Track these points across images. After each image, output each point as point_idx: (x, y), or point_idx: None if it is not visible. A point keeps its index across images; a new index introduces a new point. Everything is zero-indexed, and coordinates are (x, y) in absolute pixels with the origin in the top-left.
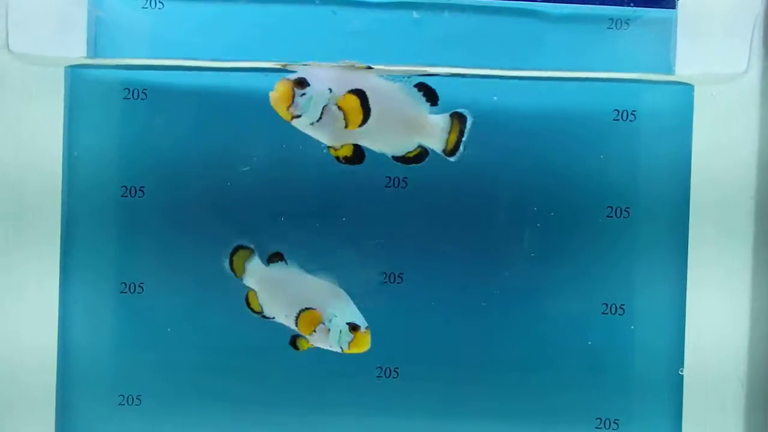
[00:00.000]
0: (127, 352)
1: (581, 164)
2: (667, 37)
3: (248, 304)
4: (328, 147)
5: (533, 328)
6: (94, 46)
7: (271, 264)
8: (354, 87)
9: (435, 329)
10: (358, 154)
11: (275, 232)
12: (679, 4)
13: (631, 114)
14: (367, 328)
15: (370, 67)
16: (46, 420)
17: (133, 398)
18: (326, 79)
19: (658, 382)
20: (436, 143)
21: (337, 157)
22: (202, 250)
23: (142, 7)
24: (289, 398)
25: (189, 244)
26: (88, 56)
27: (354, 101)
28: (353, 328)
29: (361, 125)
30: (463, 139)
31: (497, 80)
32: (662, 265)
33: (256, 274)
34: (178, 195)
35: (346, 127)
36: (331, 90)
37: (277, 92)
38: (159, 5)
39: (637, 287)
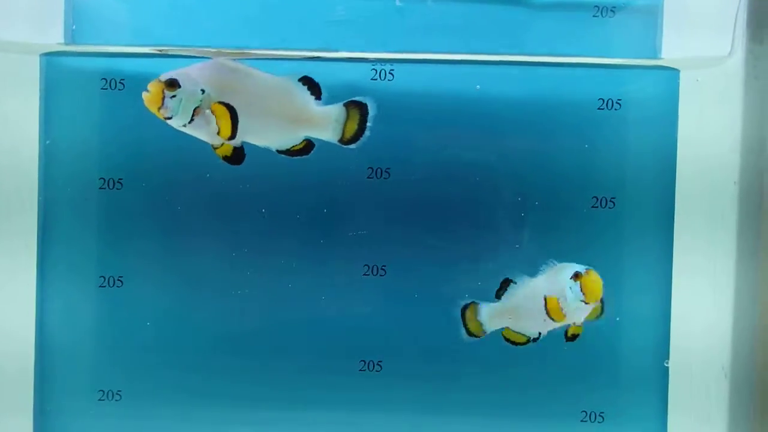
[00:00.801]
0: (106, 347)
1: (566, 154)
2: (653, 25)
3: (510, 340)
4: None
5: None
6: (72, 34)
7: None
8: (232, 86)
9: (418, 322)
10: (238, 154)
11: (256, 225)
12: None
13: (617, 102)
14: (588, 269)
15: (243, 53)
16: (24, 416)
17: (113, 393)
18: (201, 79)
19: (643, 374)
20: (329, 134)
21: (223, 157)
22: (181, 243)
23: None
24: (271, 394)
25: (169, 237)
26: (66, 44)
27: (223, 111)
28: (576, 276)
29: (230, 138)
30: (367, 125)
31: (480, 69)
32: (648, 255)
33: (495, 313)
34: (157, 187)
35: (218, 133)
36: (203, 91)
37: (149, 93)
38: None
39: (623, 278)
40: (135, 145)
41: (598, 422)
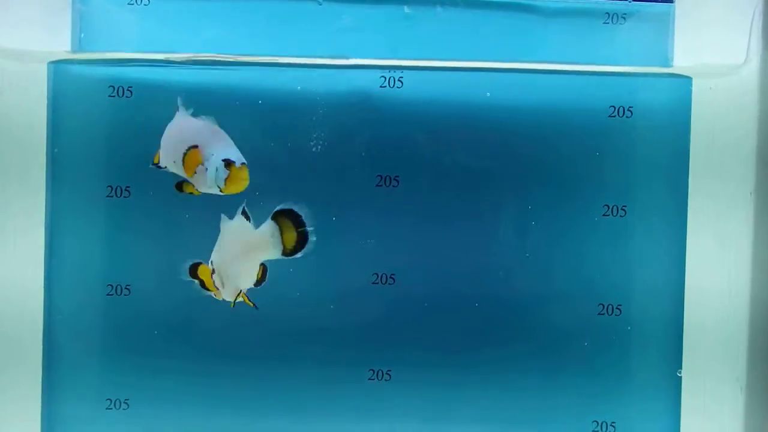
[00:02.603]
0: (113, 356)
1: (576, 162)
2: (664, 32)
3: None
4: None
5: (528, 330)
6: (79, 42)
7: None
8: None
9: (427, 331)
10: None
11: None
12: None
13: (628, 110)
14: (243, 163)
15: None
16: (32, 424)
17: (120, 402)
18: None
19: (656, 383)
20: (275, 252)
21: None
22: (188, 251)
23: (128, 3)
24: (279, 403)
25: (176, 245)
26: (73, 52)
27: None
28: (228, 164)
29: None
30: (308, 229)
31: (490, 76)
32: (659, 265)
33: None
34: (164, 195)
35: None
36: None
37: None
38: (145, 1)
39: (634, 287)
40: (142, 153)
41: None
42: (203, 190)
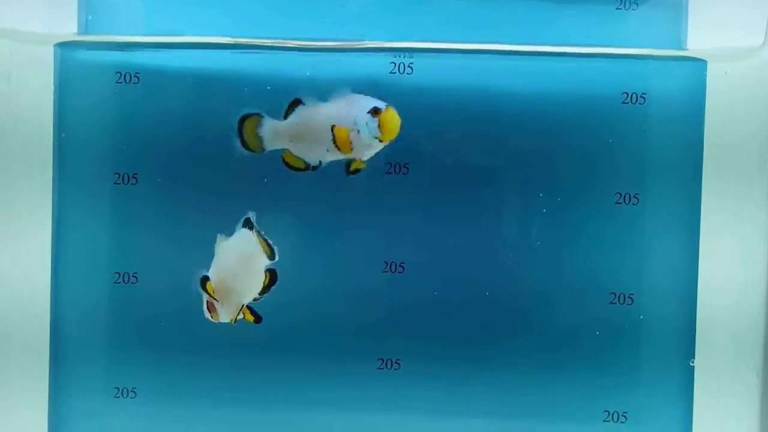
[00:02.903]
0: (121, 345)
1: (589, 149)
2: (678, 16)
3: (288, 165)
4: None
5: (538, 319)
6: (86, 26)
7: (287, 116)
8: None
9: (437, 320)
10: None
11: (274, 221)
12: None
13: (641, 97)
14: (387, 105)
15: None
16: (39, 413)
17: (128, 391)
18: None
19: (668, 373)
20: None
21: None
22: (196, 239)
23: None
24: (288, 392)
25: (183, 233)
26: (80, 34)
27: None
28: (375, 112)
29: None
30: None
31: (501, 63)
32: (672, 253)
33: (278, 132)
34: (171, 182)
35: None
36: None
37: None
38: None
39: (647, 275)
40: (149, 140)
41: (621, 422)
42: (367, 153)
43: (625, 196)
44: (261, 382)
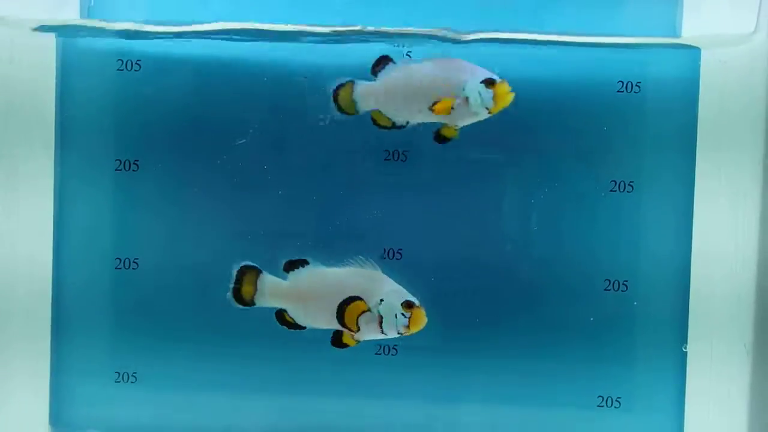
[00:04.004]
0: (121, 330)
1: (584, 137)
2: (672, 3)
3: (375, 123)
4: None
5: (534, 305)
6: (88, 12)
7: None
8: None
9: (434, 306)
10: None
11: (273, 207)
12: None
13: (636, 85)
14: (501, 79)
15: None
16: (40, 397)
17: (129, 375)
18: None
19: (661, 358)
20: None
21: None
22: (197, 226)
23: None
24: (287, 377)
25: (185, 220)
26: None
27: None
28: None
29: None
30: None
31: (498, 50)
32: (666, 240)
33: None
34: (173, 169)
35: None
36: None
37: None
38: None
39: (641, 263)
40: (151, 127)
41: (615, 407)
42: (467, 121)
43: (620, 184)
44: (260, 368)
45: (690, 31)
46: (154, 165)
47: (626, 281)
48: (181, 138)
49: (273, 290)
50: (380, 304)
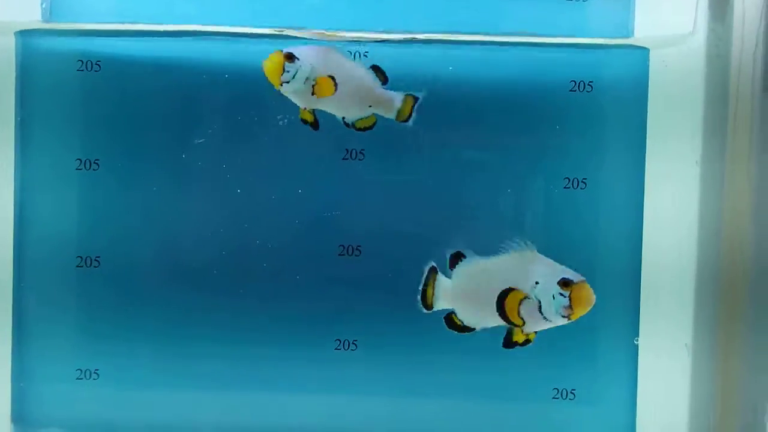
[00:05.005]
0: (83, 327)
1: (538, 136)
2: (625, 6)
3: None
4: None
5: None
6: (49, 13)
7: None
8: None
9: (393, 301)
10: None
11: (232, 207)
12: None
13: (588, 84)
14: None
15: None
16: (2, 403)
17: (90, 372)
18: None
19: (614, 351)
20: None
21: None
22: (158, 224)
23: None
24: (247, 373)
25: (146, 218)
26: (42, 21)
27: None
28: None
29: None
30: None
31: (453, 50)
32: (618, 236)
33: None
34: (133, 168)
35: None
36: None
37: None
38: None
39: (594, 258)
40: (111, 126)
41: (570, 399)
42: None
43: (573, 181)
44: (220, 364)
45: (641, 32)
46: (115, 164)
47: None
48: (141, 136)
49: (443, 291)
50: (536, 287)
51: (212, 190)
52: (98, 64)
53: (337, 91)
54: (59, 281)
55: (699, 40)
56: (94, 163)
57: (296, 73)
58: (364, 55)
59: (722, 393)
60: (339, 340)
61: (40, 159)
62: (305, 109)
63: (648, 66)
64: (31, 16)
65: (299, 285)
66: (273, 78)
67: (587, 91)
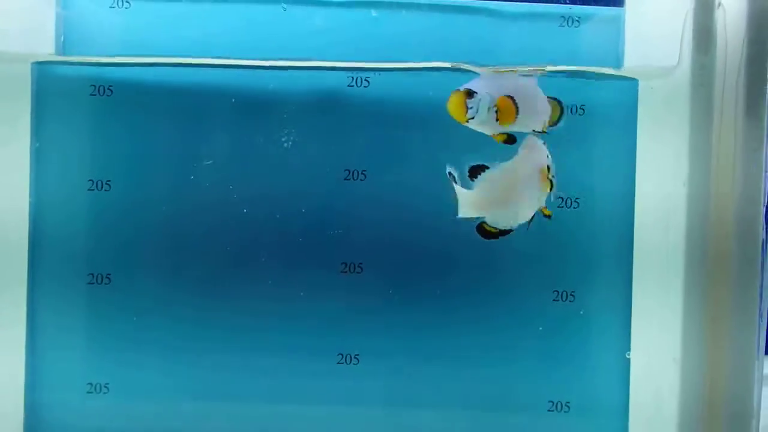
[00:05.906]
0: (94, 342)
1: None
2: (615, 35)
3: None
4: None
5: (488, 316)
6: (63, 44)
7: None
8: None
9: (393, 317)
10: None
11: (238, 225)
12: (627, 1)
13: (580, 108)
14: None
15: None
16: (14, 408)
17: (101, 386)
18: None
19: (607, 363)
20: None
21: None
22: (167, 243)
23: (110, 7)
24: (252, 388)
25: (155, 237)
26: (57, 54)
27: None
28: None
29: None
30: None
31: (452, 77)
32: (609, 253)
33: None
34: (143, 189)
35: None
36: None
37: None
38: (126, 4)
39: (587, 274)
40: (122, 148)
41: (564, 411)
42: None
43: (566, 200)
44: (226, 378)
45: (631, 61)
46: (126, 185)
47: (573, 292)
48: (151, 158)
49: (465, 200)
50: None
51: (219, 210)
52: (110, 89)
53: (519, 113)
54: (71, 298)
55: (684, 71)
56: (106, 183)
57: (479, 106)
58: (366, 81)
59: (710, 404)
60: (341, 354)
61: (53, 179)
62: (495, 134)
63: (637, 95)
64: (47, 48)
65: (303, 301)
66: (458, 116)
67: (579, 114)
